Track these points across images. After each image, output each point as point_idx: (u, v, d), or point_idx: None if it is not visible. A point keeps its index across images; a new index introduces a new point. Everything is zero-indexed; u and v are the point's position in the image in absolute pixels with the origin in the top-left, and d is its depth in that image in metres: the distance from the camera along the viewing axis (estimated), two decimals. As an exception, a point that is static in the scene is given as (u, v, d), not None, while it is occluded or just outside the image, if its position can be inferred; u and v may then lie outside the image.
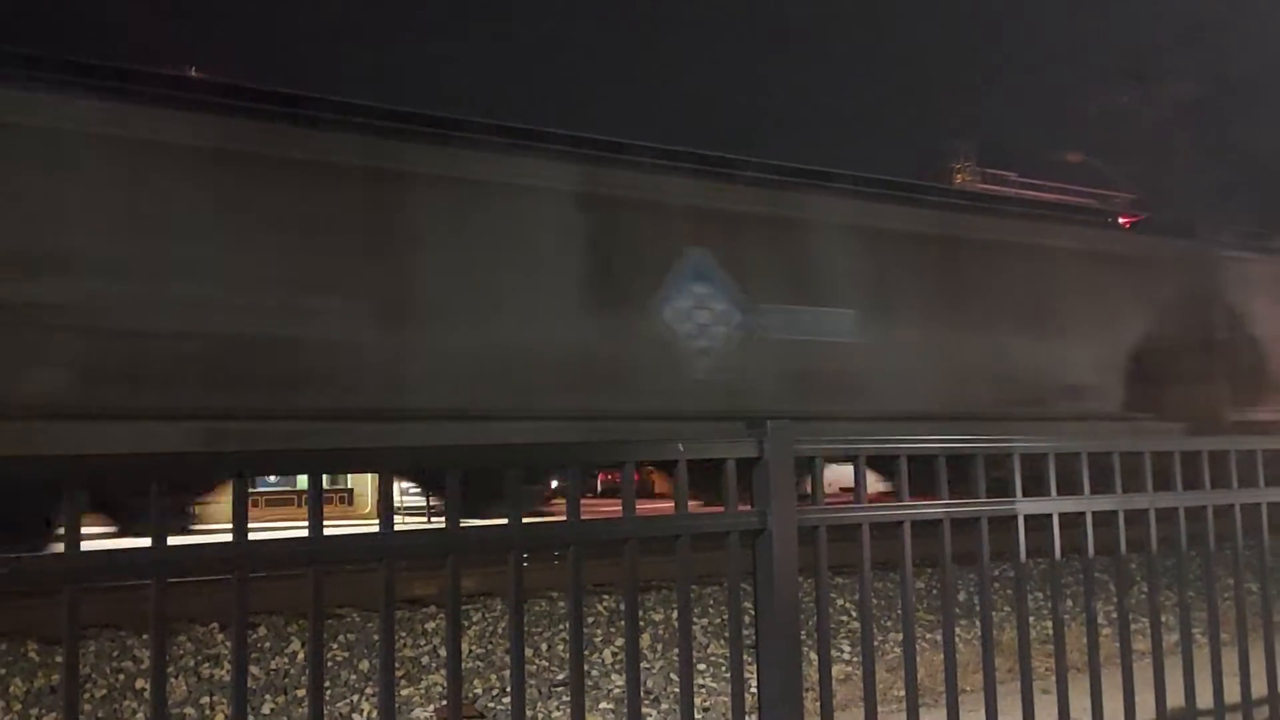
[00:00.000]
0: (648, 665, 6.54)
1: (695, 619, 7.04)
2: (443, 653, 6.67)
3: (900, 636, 3.12)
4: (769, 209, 12.58)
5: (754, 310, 12.35)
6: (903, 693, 2.97)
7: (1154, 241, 16.60)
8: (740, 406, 11.62)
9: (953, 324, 13.71)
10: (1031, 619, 3.24)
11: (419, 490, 25.57)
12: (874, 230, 13.38)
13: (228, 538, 2.17)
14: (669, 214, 11.98)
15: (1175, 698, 3.42)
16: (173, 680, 6.06)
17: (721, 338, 12.13)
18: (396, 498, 2.43)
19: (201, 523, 9.36)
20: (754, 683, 2.74)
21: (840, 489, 5.23)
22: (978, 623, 3.23)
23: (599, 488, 28.73)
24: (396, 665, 2.36)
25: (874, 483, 3.07)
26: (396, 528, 2.36)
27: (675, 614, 2.89)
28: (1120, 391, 15.23)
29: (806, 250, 12.87)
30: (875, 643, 3.00)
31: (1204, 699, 3.48)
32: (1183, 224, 17.97)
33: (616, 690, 6.05)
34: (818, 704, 2.82)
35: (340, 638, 7.03)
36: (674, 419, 11.30)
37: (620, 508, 2.61)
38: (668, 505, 2.71)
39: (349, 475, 22.33)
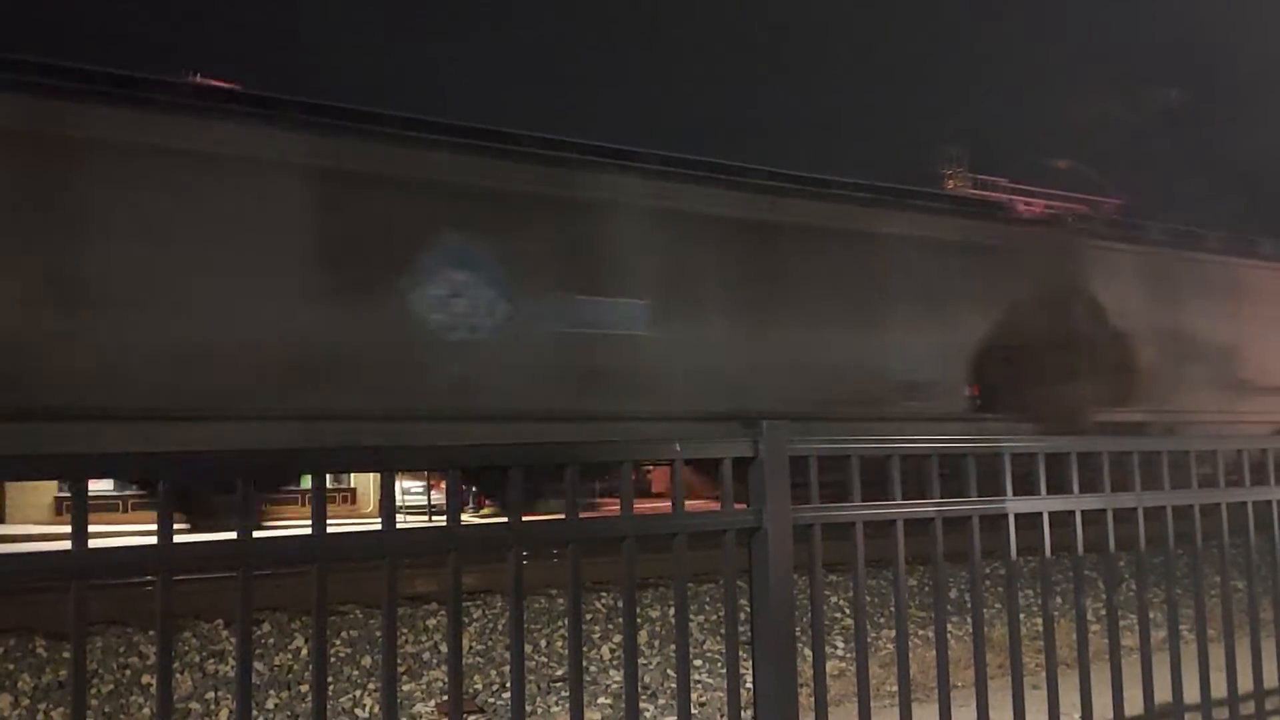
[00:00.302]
0: (645, 661, 6.53)
1: (692, 616, 7.04)
2: (444, 649, 6.67)
3: (893, 633, 3.12)
4: (551, 189, 11.20)
5: (528, 300, 10.95)
6: (895, 688, 2.97)
7: (1011, 229, 15.01)
8: (506, 406, 10.38)
9: (770, 316, 12.35)
10: (1022, 616, 3.24)
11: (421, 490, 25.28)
12: (677, 213, 11.92)
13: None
14: (427, 192, 10.58)
15: (1163, 693, 3.42)
16: (178, 675, 6.05)
17: (484, 330, 10.70)
18: (398, 497, 2.42)
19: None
20: (750, 678, 2.73)
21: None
22: (969, 619, 3.23)
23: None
24: (398, 661, 2.36)
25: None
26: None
27: (672, 611, 2.89)
28: (970, 389, 14.05)
29: (595, 234, 11.48)
30: (869, 639, 3.00)
31: (1191, 694, 3.48)
32: (1049, 211, 16.51)
33: (614, 686, 6.04)
34: (812, 699, 2.82)
35: (343, 634, 7.02)
36: (413, 420, 10.01)
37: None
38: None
39: (350, 475, 22.21)
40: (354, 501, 26.95)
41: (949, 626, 3.17)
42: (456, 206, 10.77)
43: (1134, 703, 3.34)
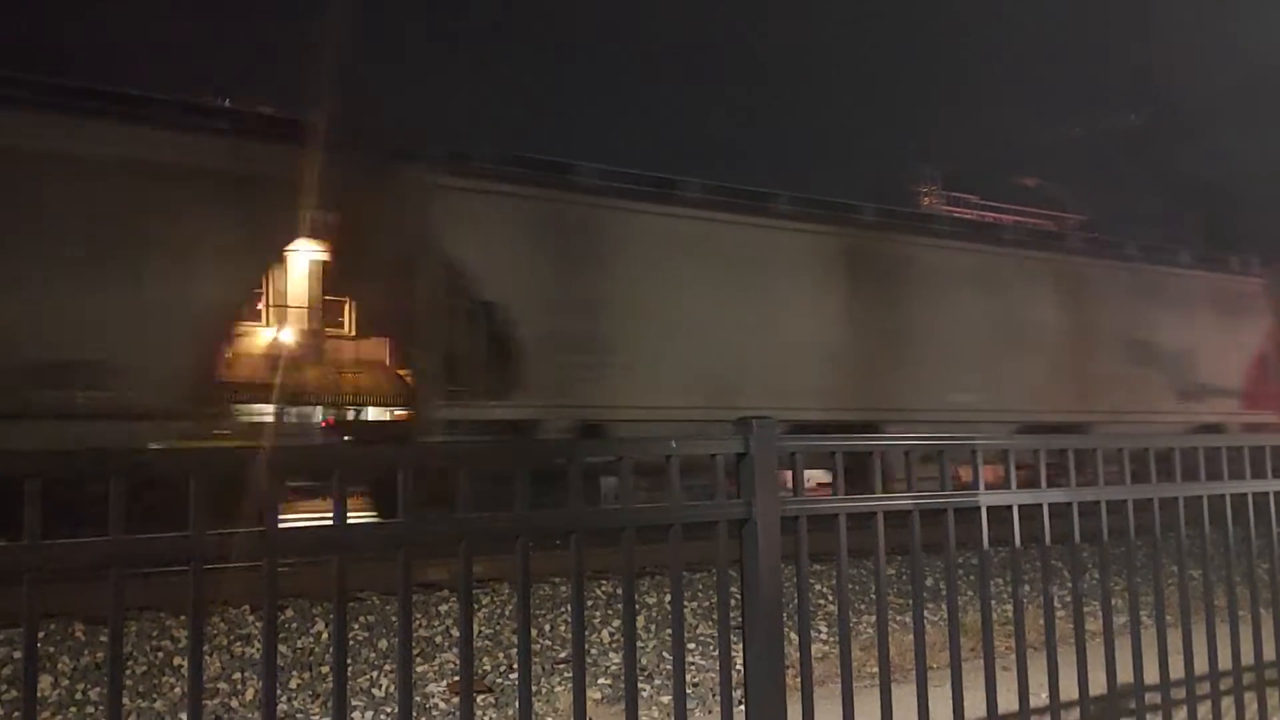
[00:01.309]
0: (642, 644, 6.53)
1: (686, 602, 7.03)
2: (455, 632, 6.66)
3: (873, 618, 3.12)
4: None
5: None
6: (876, 670, 2.97)
7: (314, 156, 9.70)
8: None
9: None
10: (993, 602, 3.24)
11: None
12: None
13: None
14: None
15: (1125, 674, 3.42)
16: (208, 658, 6.05)
17: None
18: None
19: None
20: (740, 660, 2.74)
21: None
22: (944, 606, 3.24)
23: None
24: (413, 644, 2.36)
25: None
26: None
27: (668, 597, 2.89)
28: (191, 375, 9.65)
29: None
30: (851, 624, 3.00)
31: (1151, 675, 3.48)
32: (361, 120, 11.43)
33: (614, 667, 6.05)
34: (799, 680, 2.83)
35: (361, 619, 7.02)
36: None
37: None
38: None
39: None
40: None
41: (925, 612, 3.17)
42: None
43: (1098, 683, 3.34)
